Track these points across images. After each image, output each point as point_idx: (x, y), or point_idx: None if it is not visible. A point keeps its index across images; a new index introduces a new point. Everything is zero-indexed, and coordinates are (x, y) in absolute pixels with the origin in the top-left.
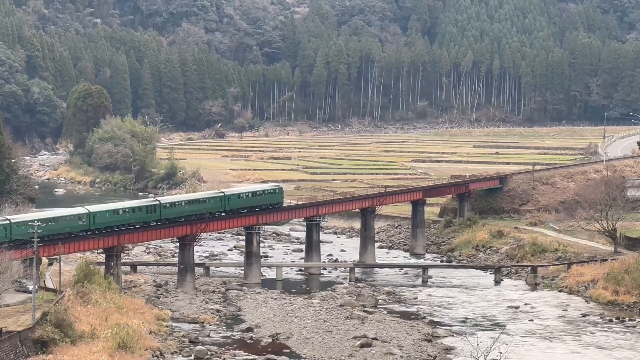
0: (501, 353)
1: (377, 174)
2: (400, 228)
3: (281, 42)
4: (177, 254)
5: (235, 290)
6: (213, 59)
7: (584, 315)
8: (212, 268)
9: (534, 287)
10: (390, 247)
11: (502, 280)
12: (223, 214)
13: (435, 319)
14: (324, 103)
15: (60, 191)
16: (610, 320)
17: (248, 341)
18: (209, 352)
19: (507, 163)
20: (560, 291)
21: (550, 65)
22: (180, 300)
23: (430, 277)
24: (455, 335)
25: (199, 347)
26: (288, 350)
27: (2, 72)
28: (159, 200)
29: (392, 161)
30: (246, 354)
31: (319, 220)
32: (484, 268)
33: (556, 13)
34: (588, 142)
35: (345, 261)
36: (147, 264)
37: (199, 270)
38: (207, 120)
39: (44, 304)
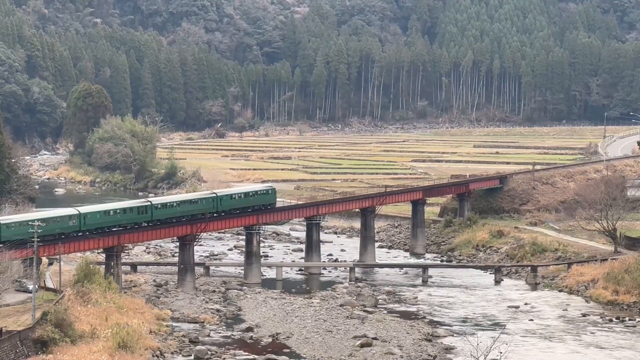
0: (501, 353)
1: (377, 173)
2: (400, 228)
3: (281, 41)
4: (177, 254)
5: (235, 290)
6: (213, 59)
7: (584, 315)
8: (212, 268)
9: (534, 286)
10: (390, 247)
11: (502, 280)
12: (215, 214)
13: (436, 319)
14: (324, 103)
15: (60, 191)
16: (611, 320)
17: (248, 341)
18: (209, 352)
19: (507, 163)
20: (560, 291)
21: (550, 65)
22: (180, 300)
23: (431, 276)
24: (455, 335)
25: (199, 347)
26: (288, 350)
27: (2, 72)
28: (150, 201)
29: (392, 161)
30: (246, 353)
31: (319, 220)
32: (484, 268)
33: (556, 13)
34: (588, 142)
35: (345, 261)
36: (147, 264)
37: (199, 270)
38: (207, 120)
39: (44, 304)
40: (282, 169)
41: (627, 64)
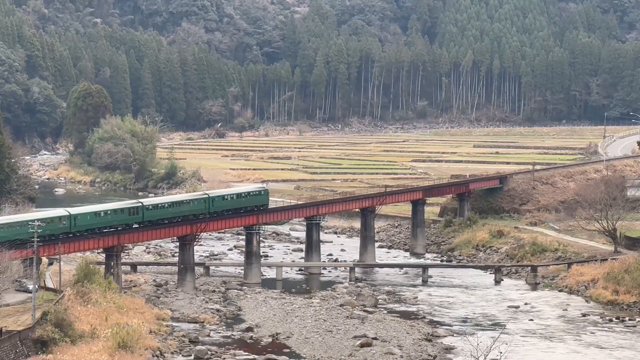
0: (501, 353)
1: (377, 173)
2: (400, 228)
3: (281, 41)
4: (177, 254)
5: (235, 290)
6: (213, 59)
7: (584, 315)
8: (212, 268)
9: (534, 286)
10: (390, 247)
11: (502, 280)
12: (208, 215)
13: (435, 319)
14: (324, 103)
15: (60, 191)
16: (611, 320)
17: (248, 341)
18: (209, 352)
19: (507, 163)
20: (560, 291)
21: (550, 65)
22: (180, 300)
23: (430, 276)
24: (455, 335)
25: (199, 347)
26: (288, 350)
27: (2, 72)
28: (141, 202)
29: (392, 161)
30: (246, 353)
31: (319, 220)
32: (484, 268)
33: (556, 13)
34: (588, 142)
35: (345, 261)
36: (147, 264)
37: (199, 269)
38: (207, 120)
39: (44, 304)
40: (282, 169)
41: (627, 64)
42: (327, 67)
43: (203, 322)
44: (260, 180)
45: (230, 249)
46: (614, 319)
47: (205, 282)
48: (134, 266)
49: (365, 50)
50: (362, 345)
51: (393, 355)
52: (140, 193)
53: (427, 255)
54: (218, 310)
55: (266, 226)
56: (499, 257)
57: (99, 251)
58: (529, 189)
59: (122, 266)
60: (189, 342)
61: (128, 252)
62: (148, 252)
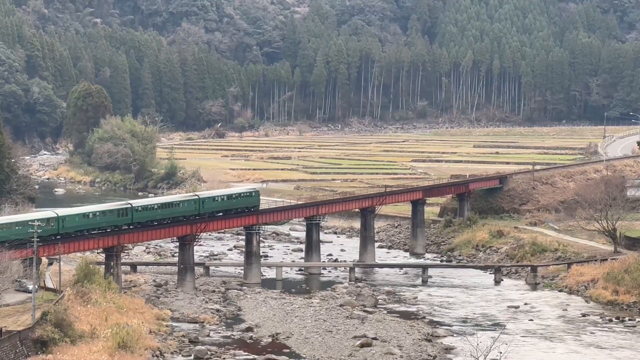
0: (501, 353)
1: (377, 173)
2: (400, 228)
3: (281, 41)
4: (177, 254)
5: (235, 290)
6: (213, 59)
7: (584, 315)
8: (212, 268)
9: (534, 286)
10: (390, 247)
11: (502, 280)
12: (198, 217)
13: (435, 319)
14: (324, 103)
15: (60, 191)
16: (610, 320)
17: (248, 341)
18: (208, 352)
19: (507, 163)
20: (560, 291)
21: (550, 65)
22: (180, 300)
23: (430, 276)
24: (455, 335)
25: (198, 347)
26: (288, 350)
27: (2, 72)
28: (130, 204)
29: (392, 161)
30: (246, 353)
31: (319, 220)
32: (484, 268)
33: (556, 13)
34: (588, 142)
35: (345, 261)
36: (147, 264)
37: (198, 270)
38: (207, 120)
39: (44, 304)
40: (282, 169)
41: (627, 64)
42: (327, 67)
43: (203, 322)
44: (260, 180)
45: (230, 249)
46: (613, 319)
47: (205, 282)
48: (133, 266)
49: (365, 50)
50: (362, 346)
51: (393, 356)
52: (140, 193)
53: (427, 255)
54: (218, 310)
55: (266, 226)
56: (499, 257)
57: (98, 251)
58: (529, 189)
59: (122, 266)
60: (188, 342)
61: (128, 252)
62: (148, 252)
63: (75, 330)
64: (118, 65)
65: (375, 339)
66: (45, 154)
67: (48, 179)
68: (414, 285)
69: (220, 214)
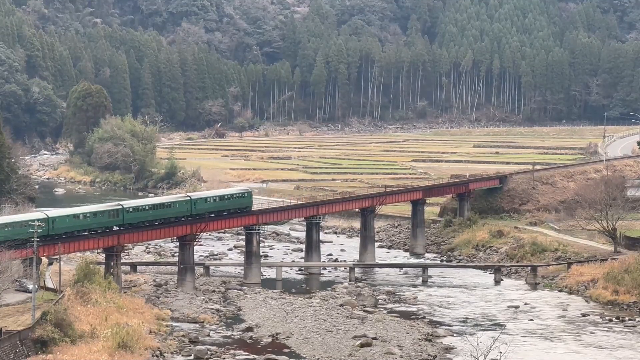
0: (501, 353)
1: (377, 173)
2: (400, 228)
3: (281, 41)
4: (177, 254)
5: (235, 290)
6: (213, 59)
7: (584, 315)
8: (212, 268)
9: (534, 286)
10: (390, 247)
11: (502, 280)
12: (190, 218)
13: (435, 319)
14: (323, 103)
15: (60, 191)
16: (610, 320)
17: (248, 341)
18: (208, 352)
19: (507, 163)
20: (560, 291)
21: (550, 65)
22: (180, 300)
23: (430, 276)
24: (455, 335)
25: (198, 347)
26: (288, 350)
27: (2, 72)
28: (121, 205)
29: (392, 161)
30: (246, 353)
31: (319, 220)
32: (484, 268)
33: (556, 13)
34: (588, 142)
35: (345, 261)
36: (146, 264)
37: (198, 269)
38: (207, 119)
39: (44, 304)
40: (282, 169)
41: (627, 64)
42: (327, 67)
43: (203, 322)
44: (260, 180)
45: (230, 249)
46: (613, 319)
47: (205, 282)
48: (133, 266)
49: (365, 50)
50: (362, 345)
51: (393, 355)
52: (140, 193)
53: (427, 255)
54: (218, 310)
55: (266, 226)
56: (499, 257)
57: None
58: (529, 189)
59: (122, 266)
60: (188, 342)
61: (128, 252)
62: (148, 252)
63: (75, 330)
64: (118, 65)
65: (375, 338)
66: (45, 154)
67: (48, 178)
68: (414, 285)
69: (213, 214)
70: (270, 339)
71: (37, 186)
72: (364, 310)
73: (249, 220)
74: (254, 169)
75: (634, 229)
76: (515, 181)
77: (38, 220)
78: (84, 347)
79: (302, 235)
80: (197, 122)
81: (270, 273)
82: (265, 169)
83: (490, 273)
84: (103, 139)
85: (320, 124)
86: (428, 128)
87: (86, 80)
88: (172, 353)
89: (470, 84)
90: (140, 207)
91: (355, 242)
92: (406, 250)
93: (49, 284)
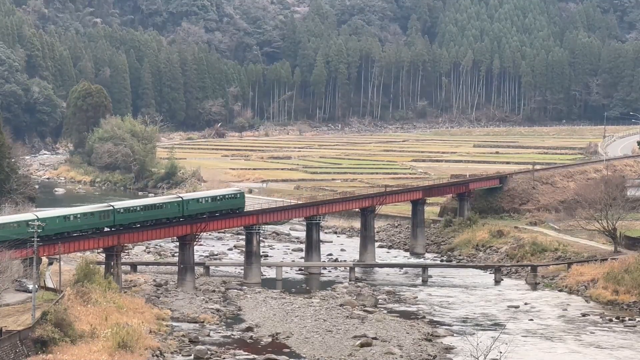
0: (501, 352)
1: (377, 173)
2: (400, 227)
3: (281, 41)
4: (177, 254)
5: (235, 290)
6: (213, 59)
7: (584, 315)
8: (212, 267)
9: (534, 286)
10: (390, 247)
11: (502, 279)
12: (182, 219)
13: (435, 319)
14: (324, 102)
15: (60, 190)
16: (610, 320)
17: (248, 341)
18: (208, 352)
19: (507, 162)
20: (560, 291)
21: (550, 64)
22: (180, 300)
23: (430, 276)
24: (455, 334)
25: (198, 347)
26: (288, 350)
27: (2, 72)
28: (112, 206)
29: (392, 161)
30: (246, 353)
31: (319, 220)
32: (484, 267)
33: (556, 13)
34: (588, 142)
35: (345, 261)
36: (147, 264)
37: (199, 269)
38: (207, 119)
39: (44, 304)
40: (282, 169)
41: (627, 64)
42: (327, 67)
43: (203, 321)
44: (260, 180)
45: (230, 249)
46: (613, 319)
47: (205, 282)
48: (134, 266)
49: (365, 50)
50: (362, 345)
51: (393, 355)
52: (140, 193)
53: (427, 255)
54: (218, 310)
55: (266, 226)
56: (499, 257)
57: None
58: (529, 188)
59: (122, 266)
60: (188, 341)
61: (128, 252)
62: (148, 252)
63: (75, 330)
64: (118, 65)
65: (375, 338)
66: (45, 154)
67: (48, 178)
68: (414, 285)
69: (205, 215)
70: (270, 339)
71: (37, 186)
72: (364, 310)
73: (249, 220)
74: (254, 169)
75: (634, 229)
76: (515, 181)
77: (27, 221)
78: (84, 347)
79: (302, 235)
80: (197, 122)
81: (270, 273)
82: (265, 169)
83: (490, 273)
84: (103, 138)
85: (320, 124)
86: (428, 128)
87: (86, 80)
88: (172, 353)
89: (470, 84)
90: (132, 208)
91: (355, 242)
92: (406, 250)
93: (49, 284)
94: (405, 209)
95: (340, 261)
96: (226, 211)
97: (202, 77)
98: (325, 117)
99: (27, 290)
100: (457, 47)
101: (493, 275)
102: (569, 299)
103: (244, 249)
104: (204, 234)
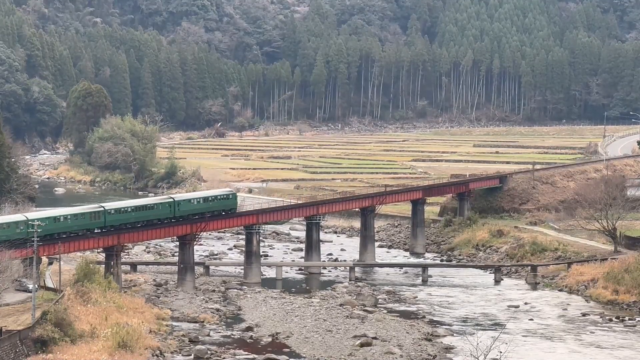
0: (501, 352)
1: (377, 173)
2: (400, 227)
3: (281, 41)
4: (177, 253)
5: (235, 290)
6: (213, 58)
7: (584, 315)
8: (212, 267)
9: (534, 286)
10: (390, 247)
11: (502, 279)
12: (173, 220)
13: (435, 318)
14: (324, 102)
15: (60, 190)
16: (610, 320)
17: (248, 340)
18: (208, 352)
19: (507, 162)
20: (560, 290)
21: (550, 64)
22: (180, 300)
23: (430, 276)
24: (455, 334)
25: (198, 347)
26: (288, 350)
27: (2, 72)
28: (103, 207)
29: (392, 160)
30: (246, 353)
31: (319, 220)
32: (484, 267)
33: (556, 12)
34: (588, 142)
35: (345, 260)
36: (147, 263)
37: (198, 269)
38: (207, 119)
39: (44, 303)
40: (282, 169)
41: (627, 64)
42: (327, 66)
43: (203, 321)
44: (260, 179)
45: (230, 249)
46: (614, 319)
47: (205, 282)
48: (133, 266)
49: (365, 50)
50: (362, 345)
51: (393, 355)
52: (140, 192)
53: (427, 255)
54: (218, 310)
55: (266, 226)
56: (499, 256)
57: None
58: (529, 188)
59: (122, 266)
60: (188, 341)
61: (128, 252)
62: (148, 252)
63: (75, 330)
64: (118, 64)
65: (375, 338)
66: (45, 154)
67: (48, 178)
68: (414, 285)
69: (197, 216)
70: (270, 339)
71: (37, 186)
72: (364, 310)
73: (249, 220)
74: (254, 169)
75: (634, 229)
76: (515, 181)
77: (17, 222)
78: (84, 346)
79: (302, 234)
80: (197, 122)
81: (270, 273)
82: (265, 169)
83: (490, 273)
84: (103, 138)
85: (320, 124)
86: (428, 128)
87: (86, 80)
88: (172, 353)
89: (470, 84)
90: (122, 209)
91: (355, 241)
92: (406, 250)
93: (49, 284)
94: (405, 208)
95: (340, 261)
96: (218, 212)
97: (202, 76)
98: (325, 116)
99: (27, 290)
100: (457, 47)
101: (493, 275)
102: (569, 299)
103: (243, 249)
104: (204, 233)
